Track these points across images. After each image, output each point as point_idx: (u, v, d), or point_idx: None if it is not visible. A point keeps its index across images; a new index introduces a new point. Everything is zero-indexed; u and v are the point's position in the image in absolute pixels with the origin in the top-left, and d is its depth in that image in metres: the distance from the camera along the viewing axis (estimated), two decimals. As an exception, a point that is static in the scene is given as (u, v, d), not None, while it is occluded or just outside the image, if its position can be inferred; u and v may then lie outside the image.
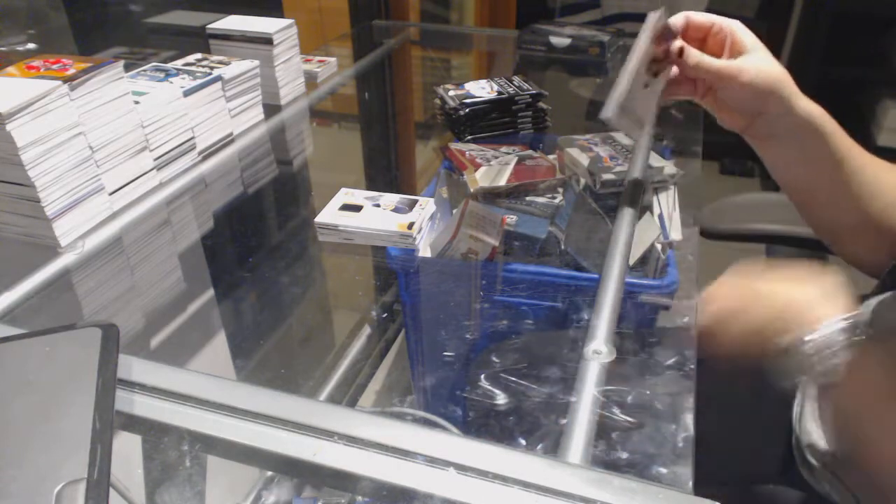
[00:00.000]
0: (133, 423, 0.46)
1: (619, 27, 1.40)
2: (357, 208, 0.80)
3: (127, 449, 0.46)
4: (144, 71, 0.88)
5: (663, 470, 0.47)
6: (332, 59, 1.26)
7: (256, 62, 0.98)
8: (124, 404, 0.46)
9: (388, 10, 1.55)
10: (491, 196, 0.86)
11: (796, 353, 0.49)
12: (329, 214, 0.79)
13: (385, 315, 0.97)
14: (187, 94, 0.84)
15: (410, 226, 0.76)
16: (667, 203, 0.75)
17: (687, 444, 0.49)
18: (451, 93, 1.04)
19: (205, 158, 0.90)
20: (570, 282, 0.75)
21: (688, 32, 0.63)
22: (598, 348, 0.53)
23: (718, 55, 0.62)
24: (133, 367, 0.49)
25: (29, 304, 0.63)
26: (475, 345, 0.79)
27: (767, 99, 0.60)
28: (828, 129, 0.61)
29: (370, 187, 0.85)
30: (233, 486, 0.71)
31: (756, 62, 0.60)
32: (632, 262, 0.74)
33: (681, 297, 0.72)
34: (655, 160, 0.85)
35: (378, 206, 0.80)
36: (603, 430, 0.48)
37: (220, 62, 0.95)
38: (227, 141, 0.95)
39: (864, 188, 0.62)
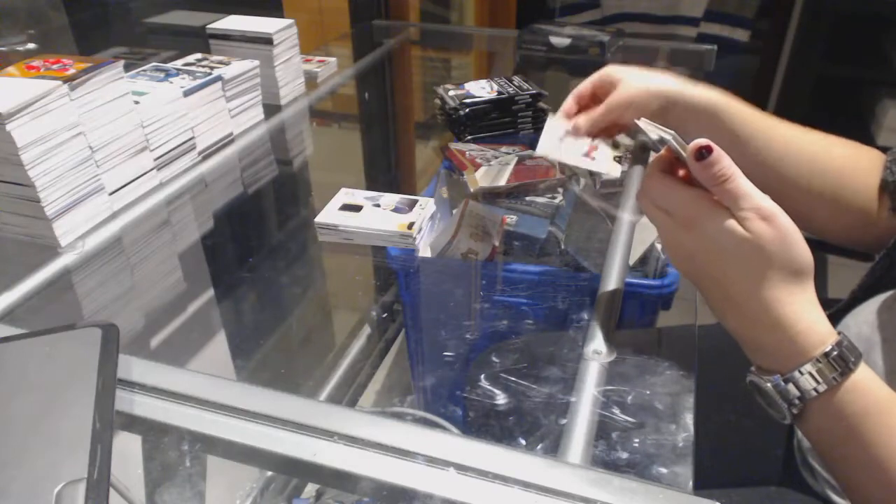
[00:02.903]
0: (133, 423, 0.46)
1: (619, 27, 1.40)
2: (357, 208, 0.80)
3: (127, 449, 0.46)
4: (144, 71, 0.88)
5: (663, 470, 0.47)
6: (332, 59, 1.26)
7: (256, 62, 0.98)
8: (124, 404, 0.46)
9: (388, 10, 1.55)
10: (491, 196, 0.86)
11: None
12: (329, 214, 0.79)
13: (385, 315, 0.97)
14: (187, 94, 0.84)
15: (410, 226, 0.76)
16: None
17: (687, 444, 0.49)
18: (451, 93, 1.04)
19: (205, 158, 0.90)
20: (570, 282, 0.75)
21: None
22: (598, 348, 0.53)
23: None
24: (133, 367, 0.49)
25: (29, 304, 0.63)
26: (475, 345, 0.79)
27: (656, 97, 0.64)
28: (731, 108, 0.63)
29: (370, 187, 0.85)
30: (233, 486, 0.71)
31: (629, 81, 0.65)
32: (632, 262, 0.74)
33: (681, 297, 0.72)
34: (655, 160, 0.85)
35: (378, 206, 0.80)
36: (603, 430, 0.48)
37: (220, 62, 0.95)
38: (227, 141, 0.95)
39: (802, 164, 0.62)
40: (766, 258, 0.44)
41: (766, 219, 0.44)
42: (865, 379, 0.44)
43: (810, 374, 0.44)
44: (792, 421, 0.47)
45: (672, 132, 0.49)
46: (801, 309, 0.45)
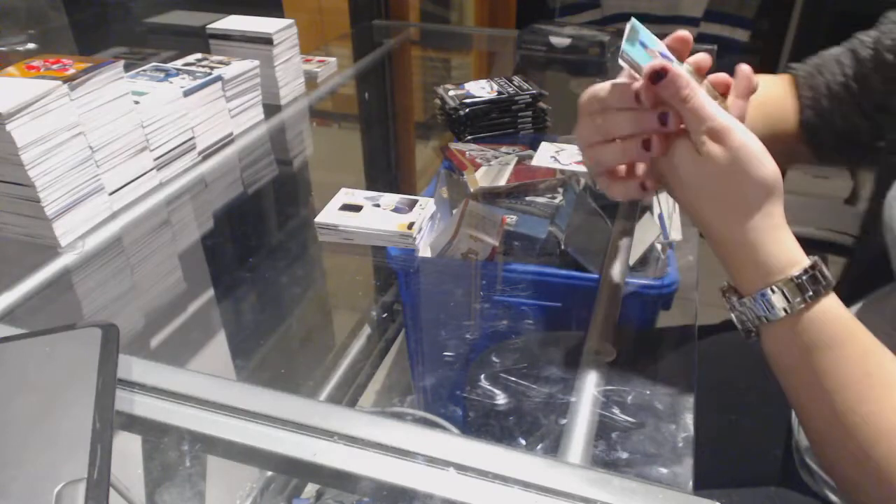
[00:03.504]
0: (133, 423, 0.46)
1: (619, 27, 1.40)
2: (357, 208, 0.80)
3: (127, 449, 0.46)
4: (144, 71, 0.88)
5: (663, 470, 0.47)
6: (332, 59, 1.26)
7: (256, 62, 0.98)
8: (124, 404, 0.46)
9: (388, 10, 1.55)
10: (491, 196, 0.86)
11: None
12: (329, 214, 0.79)
13: (385, 315, 0.97)
14: (187, 94, 0.84)
15: (410, 226, 0.76)
16: (667, 203, 0.75)
17: (687, 444, 0.49)
18: (451, 93, 1.04)
19: (205, 158, 0.90)
20: (570, 282, 0.75)
21: None
22: (598, 348, 0.53)
23: None
24: (133, 367, 0.49)
25: (29, 304, 0.63)
26: (475, 345, 0.79)
27: None
28: None
29: (370, 187, 0.85)
30: (233, 486, 0.71)
31: None
32: (632, 262, 0.74)
33: (681, 297, 0.72)
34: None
35: (378, 206, 0.80)
36: (603, 430, 0.48)
37: (220, 62, 0.95)
38: (227, 141, 0.95)
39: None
40: (722, 181, 0.44)
41: (718, 139, 0.43)
42: (826, 310, 0.43)
43: (764, 301, 0.44)
44: (747, 339, 0.47)
45: (627, 58, 0.46)
46: (763, 233, 0.44)
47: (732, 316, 0.47)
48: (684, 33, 0.50)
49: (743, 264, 0.45)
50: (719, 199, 0.44)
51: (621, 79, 0.49)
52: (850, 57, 0.63)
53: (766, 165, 0.43)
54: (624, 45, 0.46)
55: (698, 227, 0.50)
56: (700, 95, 0.44)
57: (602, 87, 0.48)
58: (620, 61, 0.46)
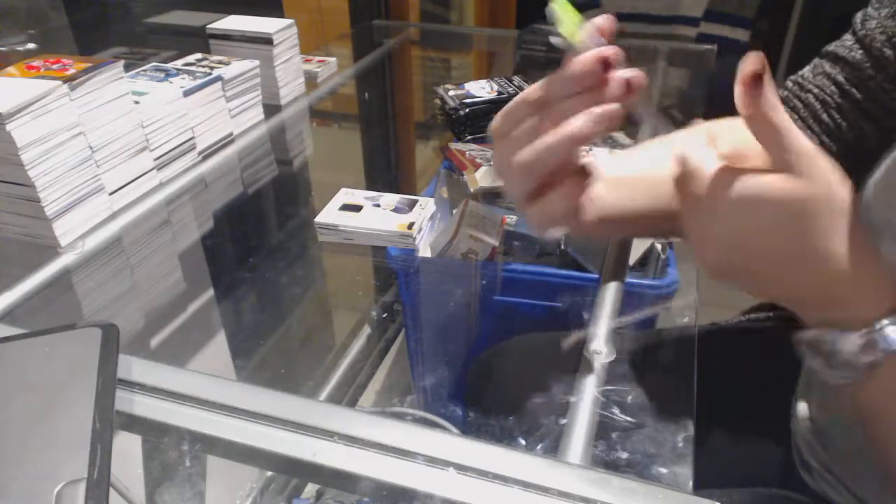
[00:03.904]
0: (133, 423, 0.46)
1: (619, 27, 1.40)
2: (357, 208, 0.80)
3: (127, 449, 0.46)
4: (144, 71, 0.88)
5: (663, 470, 0.47)
6: (332, 59, 1.26)
7: (256, 62, 0.98)
8: (124, 404, 0.46)
9: (388, 10, 1.56)
10: (491, 196, 0.86)
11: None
12: (329, 214, 0.79)
13: (385, 315, 0.97)
14: (187, 94, 0.84)
15: (410, 226, 0.76)
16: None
17: (687, 444, 0.49)
18: (451, 93, 1.04)
19: (205, 158, 0.90)
20: (570, 282, 0.75)
21: None
22: (598, 348, 0.52)
23: None
24: (133, 367, 0.48)
25: (29, 304, 0.63)
26: (475, 345, 0.79)
27: None
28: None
29: (370, 187, 0.85)
30: (233, 486, 0.71)
31: None
32: (632, 262, 0.74)
33: (681, 297, 0.72)
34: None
35: (378, 206, 0.80)
36: (603, 430, 0.48)
37: (220, 62, 0.95)
38: (227, 141, 0.95)
39: None
40: (815, 213, 0.36)
41: (800, 166, 0.35)
42: None
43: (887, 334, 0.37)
44: (857, 379, 0.39)
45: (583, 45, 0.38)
46: (860, 265, 0.37)
47: (838, 356, 0.39)
48: (603, 21, 0.41)
49: (859, 289, 0.38)
50: (810, 241, 0.37)
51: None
52: (836, 65, 0.58)
53: (844, 187, 0.37)
54: (567, 32, 0.38)
55: (755, 288, 0.40)
56: (781, 104, 0.35)
57: (535, 88, 0.40)
58: (576, 45, 0.38)
